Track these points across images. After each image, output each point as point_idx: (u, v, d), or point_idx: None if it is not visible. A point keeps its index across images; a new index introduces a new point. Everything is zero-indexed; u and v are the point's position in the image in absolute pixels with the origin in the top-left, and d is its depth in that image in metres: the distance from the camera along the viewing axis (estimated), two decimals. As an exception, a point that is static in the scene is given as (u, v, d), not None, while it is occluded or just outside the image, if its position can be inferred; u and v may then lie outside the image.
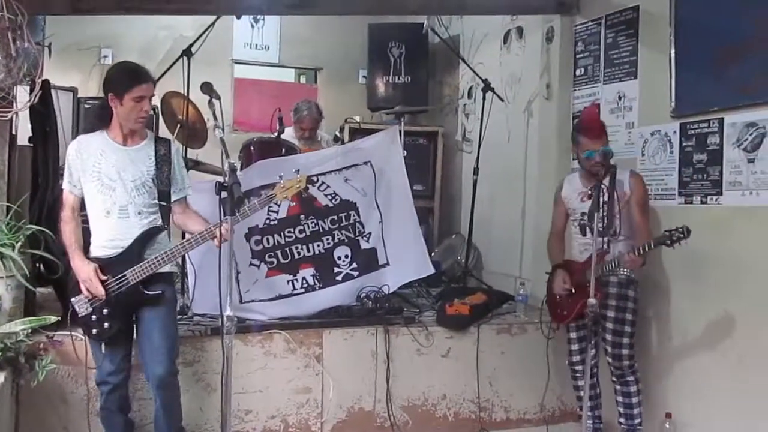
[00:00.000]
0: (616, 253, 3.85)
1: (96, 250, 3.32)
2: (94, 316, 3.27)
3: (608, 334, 3.94)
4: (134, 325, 3.38)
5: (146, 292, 3.28)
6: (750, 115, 3.69)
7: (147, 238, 3.32)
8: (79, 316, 3.27)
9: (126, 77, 3.28)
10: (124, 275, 3.25)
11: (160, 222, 3.38)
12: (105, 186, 3.29)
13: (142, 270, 3.25)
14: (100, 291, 3.21)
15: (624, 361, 3.93)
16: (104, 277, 3.24)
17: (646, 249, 3.64)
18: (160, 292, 3.31)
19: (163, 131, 4.72)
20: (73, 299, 3.28)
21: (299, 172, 3.40)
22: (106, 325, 3.27)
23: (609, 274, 3.89)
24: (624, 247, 3.87)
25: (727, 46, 3.82)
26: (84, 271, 3.22)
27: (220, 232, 3.16)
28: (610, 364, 3.97)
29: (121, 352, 3.35)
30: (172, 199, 3.44)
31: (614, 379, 4.01)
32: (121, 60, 3.73)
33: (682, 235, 3.51)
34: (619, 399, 4.01)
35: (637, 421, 4.00)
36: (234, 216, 2.94)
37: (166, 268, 3.36)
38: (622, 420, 4.03)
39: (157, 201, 3.37)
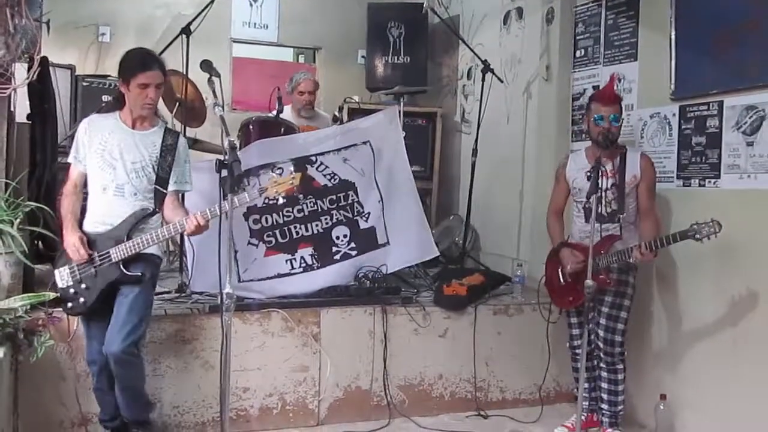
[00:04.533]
0: (627, 240, 3.77)
1: (87, 226, 3.38)
2: (72, 290, 3.32)
3: (603, 319, 3.88)
4: None
5: (126, 271, 3.30)
6: (749, 98, 3.67)
7: (136, 219, 3.35)
8: (58, 287, 3.33)
9: (133, 63, 3.35)
10: (108, 252, 3.29)
11: (152, 206, 3.41)
12: (106, 163, 3.35)
13: (126, 249, 3.28)
14: (80, 256, 3.26)
15: (616, 347, 3.88)
16: (90, 251, 3.29)
17: (664, 244, 3.49)
18: (139, 273, 3.33)
19: (162, 110, 4.70)
20: (56, 270, 3.36)
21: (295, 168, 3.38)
22: (81, 300, 3.32)
23: (621, 262, 3.74)
24: (627, 232, 3.82)
25: (727, 28, 3.80)
26: (70, 237, 3.28)
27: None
28: (601, 350, 3.91)
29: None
30: (170, 188, 3.46)
31: (603, 365, 3.94)
32: (126, 41, 3.72)
33: (713, 231, 3.32)
34: (605, 386, 3.96)
35: (620, 407, 3.97)
36: (234, 194, 2.94)
37: (150, 250, 3.38)
38: (604, 407, 3.98)
39: (154, 186, 3.41)
